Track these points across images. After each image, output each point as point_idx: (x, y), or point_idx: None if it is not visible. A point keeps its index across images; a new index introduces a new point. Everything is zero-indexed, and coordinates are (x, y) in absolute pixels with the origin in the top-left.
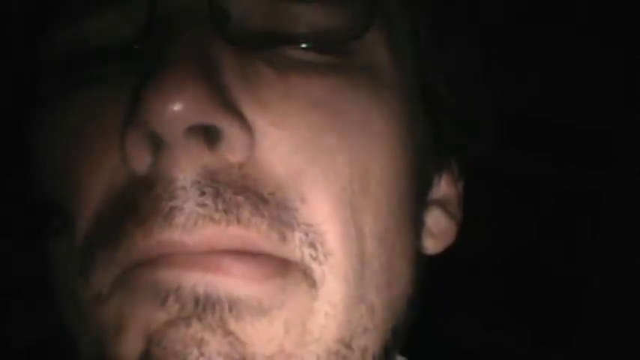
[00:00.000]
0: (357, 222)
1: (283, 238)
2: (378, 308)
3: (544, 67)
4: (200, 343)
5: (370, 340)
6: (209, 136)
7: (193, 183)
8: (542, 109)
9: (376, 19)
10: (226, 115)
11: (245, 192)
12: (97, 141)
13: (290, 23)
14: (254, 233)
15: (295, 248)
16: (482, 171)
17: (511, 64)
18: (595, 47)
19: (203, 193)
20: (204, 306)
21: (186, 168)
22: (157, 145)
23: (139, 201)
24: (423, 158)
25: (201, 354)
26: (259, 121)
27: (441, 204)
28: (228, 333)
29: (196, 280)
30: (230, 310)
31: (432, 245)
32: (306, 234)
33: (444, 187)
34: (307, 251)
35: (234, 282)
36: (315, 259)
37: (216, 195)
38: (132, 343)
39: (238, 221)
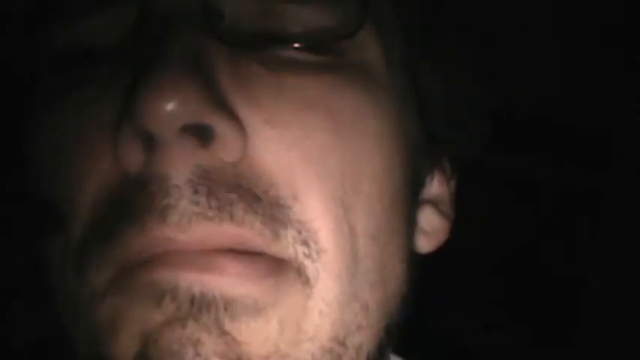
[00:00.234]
0: (349, 220)
1: (276, 235)
2: (372, 306)
3: (544, 67)
4: (196, 343)
5: (364, 338)
6: (202, 135)
7: (187, 181)
8: (543, 109)
9: (368, 18)
10: (219, 115)
11: (238, 190)
12: (93, 140)
13: (283, 23)
14: (247, 230)
15: (288, 246)
16: (483, 171)
17: (511, 64)
18: (595, 47)
19: (196, 192)
20: (200, 306)
21: (180, 167)
22: (150, 143)
23: (134, 199)
24: (416, 157)
25: (198, 354)
26: (252, 119)
27: (434, 203)
28: (224, 333)
29: (192, 280)
30: (225, 309)
31: (424, 244)
32: (299, 232)
33: (436, 186)
34: (300, 249)
35: (229, 281)
36: (308, 256)
37: (210, 193)
38: (128, 343)
39: (232, 219)
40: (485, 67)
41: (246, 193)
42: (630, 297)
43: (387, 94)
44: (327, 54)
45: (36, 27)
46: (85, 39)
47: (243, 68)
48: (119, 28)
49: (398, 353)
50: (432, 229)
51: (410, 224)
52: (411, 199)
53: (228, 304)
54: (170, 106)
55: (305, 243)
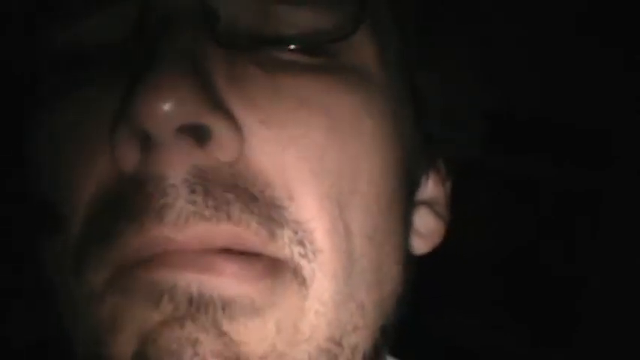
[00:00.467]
0: (345, 220)
1: (273, 235)
2: (368, 306)
3: (544, 67)
4: (195, 342)
5: (360, 338)
6: (199, 135)
7: (183, 181)
8: (542, 109)
9: (364, 20)
10: (216, 115)
11: (235, 190)
12: (92, 140)
13: (279, 24)
14: (244, 230)
15: (284, 246)
16: (482, 171)
17: (511, 64)
18: (595, 47)
19: (193, 191)
20: (198, 306)
21: (177, 167)
22: (147, 143)
23: (131, 199)
24: (412, 157)
25: (196, 353)
26: (248, 120)
27: (429, 204)
28: (221, 333)
29: (190, 280)
30: (223, 310)
31: (419, 245)
32: (295, 232)
33: (431, 188)
34: (296, 249)
35: (227, 282)
36: (304, 256)
37: (207, 193)
38: (126, 342)
39: (229, 218)
40: (485, 67)
41: (242, 192)
42: (630, 297)
43: (383, 95)
44: (323, 55)
45: (36, 27)
46: (85, 39)
47: (240, 69)
48: (119, 28)
49: (394, 354)
50: (427, 230)
51: (406, 225)
52: (406, 200)
53: (226, 305)
54: (167, 107)
55: (301, 243)
